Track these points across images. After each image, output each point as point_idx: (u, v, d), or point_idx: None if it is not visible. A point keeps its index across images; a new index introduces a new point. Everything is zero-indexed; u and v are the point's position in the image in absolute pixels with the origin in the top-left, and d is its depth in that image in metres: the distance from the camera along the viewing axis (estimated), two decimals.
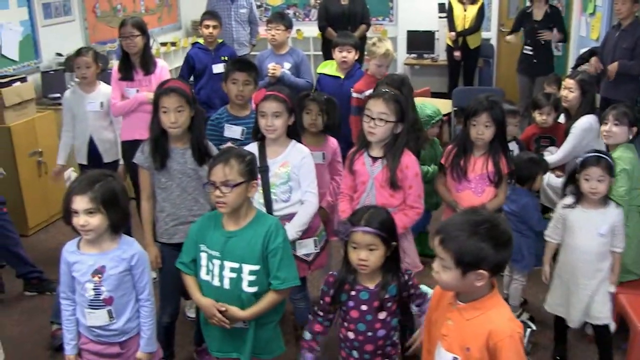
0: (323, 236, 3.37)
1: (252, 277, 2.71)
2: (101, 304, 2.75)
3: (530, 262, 3.99)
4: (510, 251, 2.13)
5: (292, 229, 3.26)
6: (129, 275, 2.78)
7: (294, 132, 3.37)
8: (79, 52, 4.73)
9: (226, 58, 5.38)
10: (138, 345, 2.90)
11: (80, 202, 2.65)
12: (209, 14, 5.64)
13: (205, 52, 5.41)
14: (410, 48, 9.49)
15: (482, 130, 3.39)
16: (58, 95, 6.05)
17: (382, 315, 2.71)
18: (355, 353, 2.79)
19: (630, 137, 3.98)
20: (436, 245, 2.14)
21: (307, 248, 3.35)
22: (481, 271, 2.07)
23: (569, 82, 4.85)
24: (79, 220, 2.66)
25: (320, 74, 5.21)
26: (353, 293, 2.73)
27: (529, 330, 3.79)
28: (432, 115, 4.54)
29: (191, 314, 4.13)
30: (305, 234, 3.30)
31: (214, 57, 5.34)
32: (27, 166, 5.36)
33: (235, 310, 2.73)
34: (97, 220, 2.67)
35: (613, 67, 5.78)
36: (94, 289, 2.74)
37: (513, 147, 4.16)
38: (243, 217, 2.74)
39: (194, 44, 5.86)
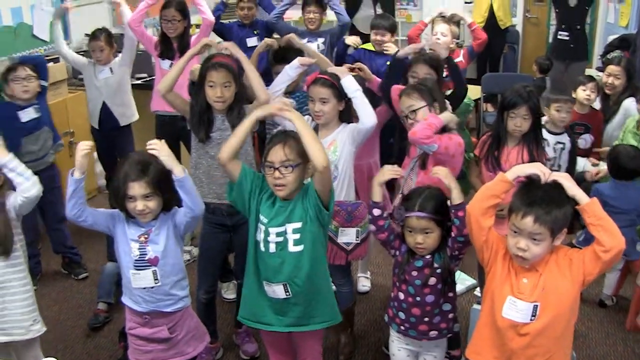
0: (366, 229, 3.33)
1: (297, 236, 2.70)
2: (146, 264, 2.78)
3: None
4: None
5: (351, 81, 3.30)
6: (174, 233, 2.81)
7: (346, 117, 3.34)
8: (93, 36, 4.87)
9: (257, 32, 5.34)
10: (186, 332, 2.94)
11: (138, 188, 2.68)
12: None
13: (241, 26, 5.37)
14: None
15: (520, 122, 3.33)
16: None
17: (432, 281, 2.79)
18: (401, 314, 2.88)
19: None
20: (529, 224, 2.30)
21: (348, 237, 3.32)
22: (565, 229, 2.36)
23: (614, 69, 4.79)
24: (137, 206, 2.70)
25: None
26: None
27: None
28: (468, 102, 4.51)
29: (228, 295, 4.16)
30: (349, 222, 3.29)
31: (248, 31, 5.31)
32: None
33: None
34: (154, 204, 2.73)
35: None
36: (139, 249, 2.78)
37: (564, 139, 4.04)
38: (295, 194, 2.73)
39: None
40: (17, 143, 4.00)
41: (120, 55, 4.97)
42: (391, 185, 3.91)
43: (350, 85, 3.28)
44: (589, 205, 2.33)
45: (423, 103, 3.20)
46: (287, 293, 2.74)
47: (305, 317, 2.80)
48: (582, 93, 4.79)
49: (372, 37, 4.81)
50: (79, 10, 6.32)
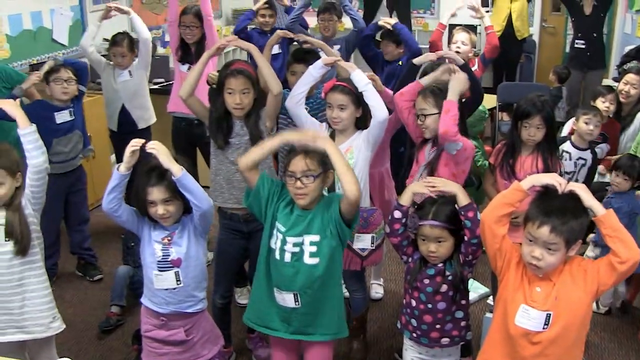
0: (381, 234, 3.34)
1: (313, 248, 2.71)
2: (169, 265, 2.82)
3: None
4: None
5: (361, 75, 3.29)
6: (195, 234, 2.84)
7: (363, 123, 3.36)
8: (114, 42, 4.88)
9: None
10: (202, 335, 2.96)
11: (158, 193, 2.73)
12: (267, 4, 5.53)
13: (261, 33, 5.41)
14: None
15: (533, 132, 3.34)
16: None
17: (443, 288, 2.80)
18: (414, 321, 2.89)
19: None
20: (545, 233, 2.31)
21: (363, 243, 3.33)
22: (580, 240, 2.37)
23: (633, 78, 4.80)
24: (158, 210, 2.75)
25: None
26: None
27: None
28: (483, 110, 4.52)
29: (242, 300, 4.18)
30: (365, 228, 3.30)
31: (268, 39, 5.32)
32: None
33: None
34: (174, 207, 2.77)
35: None
36: (162, 250, 2.82)
37: (587, 156, 4.08)
38: (314, 203, 2.75)
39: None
40: (48, 143, 4.03)
41: (137, 59, 5.01)
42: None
43: (360, 79, 3.29)
44: (605, 217, 2.34)
45: (435, 110, 3.22)
46: (297, 303, 2.75)
47: (311, 327, 2.81)
48: (602, 104, 4.78)
49: (382, 47, 4.89)
50: (98, 15, 6.39)
